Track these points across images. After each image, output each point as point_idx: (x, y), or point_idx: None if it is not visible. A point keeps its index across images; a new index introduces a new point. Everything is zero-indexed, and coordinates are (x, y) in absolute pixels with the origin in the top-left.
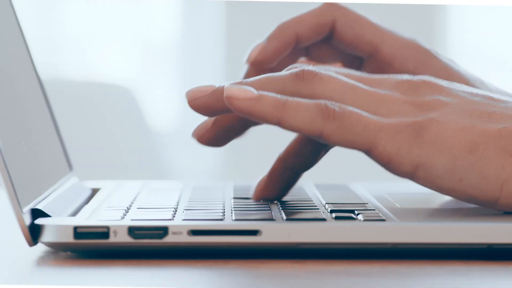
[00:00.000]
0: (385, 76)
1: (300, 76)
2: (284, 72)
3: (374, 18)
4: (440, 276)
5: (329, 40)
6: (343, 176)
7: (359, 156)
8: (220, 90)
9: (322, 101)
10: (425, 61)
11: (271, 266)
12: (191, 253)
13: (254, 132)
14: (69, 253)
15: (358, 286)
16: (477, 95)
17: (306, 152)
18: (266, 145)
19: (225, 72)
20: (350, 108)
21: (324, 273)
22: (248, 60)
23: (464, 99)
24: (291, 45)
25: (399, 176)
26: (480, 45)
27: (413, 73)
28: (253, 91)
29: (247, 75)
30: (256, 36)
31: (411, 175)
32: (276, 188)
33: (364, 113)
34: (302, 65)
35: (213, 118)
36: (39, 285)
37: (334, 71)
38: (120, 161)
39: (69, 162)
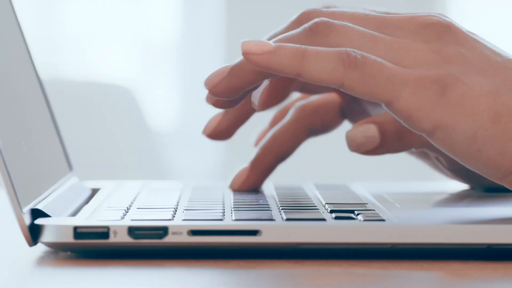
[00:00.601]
0: (405, 16)
1: (314, 29)
2: (298, 29)
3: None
4: (439, 277)
5: None
6: (343, 176)
7: (359, 157)
8: (237, 66)
9: (343, 49)
10: None
11: (271, 266)
12: (191, 253)
13: (254, 132)
14: (69, 253)
15: (357, 286)
16: (500, 55)
17: (287, 140)
18: None
19: None
20: (373, 57)
21: (324, 274)
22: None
23: (487, 57)
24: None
25: (417, 131)
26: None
27: None
28: (270, 44)
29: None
30: (256, 36)
31: (429, 134)
32: (258, 178)
33: (387, 63)
34: (314, 18)
35: (220, 115)
36: (39, 285)
37: (350, 16)
38: (120, 161)
39: (69, 162)
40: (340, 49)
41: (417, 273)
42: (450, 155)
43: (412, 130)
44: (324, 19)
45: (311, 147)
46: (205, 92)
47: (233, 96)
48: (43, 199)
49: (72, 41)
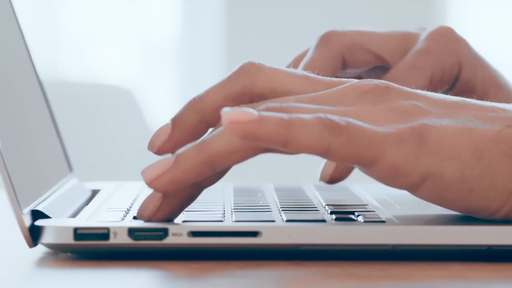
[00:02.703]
0: (338, 89)
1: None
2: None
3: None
4: (440, 278)
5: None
6: None
7: None
8: (182, 159)
9: (322, 114)
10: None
11: (271, 268)
12: (191, 255)
13: None
14: (69, 254)
15: (357, 287)
16: (447, 98)
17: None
18: None
19: (225, 72)
20: (351, 119)
21: (324, 275)
22: None
23: (439, 102)
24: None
25: (402, 188)
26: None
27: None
28: (254, 112)
29: None
30: (256, 36)
31: (417, 187)
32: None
33: (365, 124)
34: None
35: (157, 197)
36: (39, 286)
37: (294, 100)
38: (120, 162)
39: (69, 163)
40: (319, 115)
41: (418, 275)
42: (439, 205)
43: (397, 187)
44: (271, 104)
45: None
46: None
47: (176, 191)
48: (43, 200)
49: (72, 42)
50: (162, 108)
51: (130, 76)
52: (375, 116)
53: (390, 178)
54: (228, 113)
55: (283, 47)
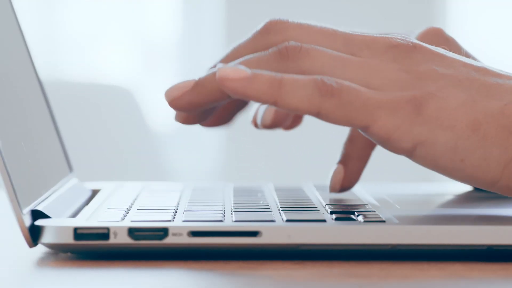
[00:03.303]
0: (371, 36)
1: (284, 53)
2: (266, 52)
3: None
4: (440, 278)
5: None
6: None
7: None
8: (202, 83)
9: (319, 77)
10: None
11: (271, 268)
12: (191, 254)
13: (254, 133)
14: (69, 254)
15: (357, 287)
16: (471, 66)
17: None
18: (266, 146)
19: None
20: (347, 83)
21: (324, 275)
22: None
23: (459, 69)
24: None
25: (397, 153)
26: (480, 46)
27: None
28: (247, 70)
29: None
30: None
31: (410, 153)
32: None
33: (362, 89)
34: (280, 29)
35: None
36: (39, 286)
37: (318, 31)
38: (120, 162)
39: (69, 163)
40: (315, 77)
41: (418, 275)
42: (435, 171)
43: (393, 152)
44: (293, 43)
45: (311, 147)
46: None
47: (192, 112)
48: (43, 200)
49: (72, 42)
50: (162, 108)
51: (130, 76)
52: (389, 74)
53: (383, 143)
54: (220, 70)
55: None
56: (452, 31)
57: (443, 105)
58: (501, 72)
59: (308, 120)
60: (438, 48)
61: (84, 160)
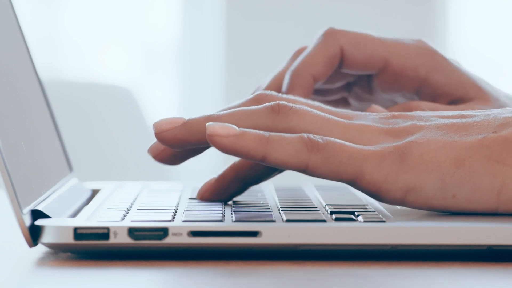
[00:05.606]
0: (356, 112)
1: (276, 109)
2: (259, 106)
3: (377, 33)
4: (439, 278)
5: (338, 67)
6: None
7: None
8: (191, 123)
9: (305, 134)
10: (436, 65)
11: (271, 268)
12: (191, 254)
13: None
14: (69, 254)
15: (357, 287)
16: (448, 116)
17: (260, 168)
18: None
19: (225, 72)
20: (333, 139)
21: (324, 275)
22: None
23: (436, 120)
24: (311, 88)
25: (390, 203)
26: (480, 46)
27: (425, 78)
28: (235, 128)
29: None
30: (256, 36)
31: (402, 201)
32: (221, 194)
33: (347, 143)
34: (274, 98)
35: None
36: (39, 286)
37: (304, 103)
38: (120, 162)
39: (69, 163)
40: (302, 134)
41: (417, 274)
42: (433, 211)
43: (386, 203)
44: (285, 102)
45: None
46: (205, 92)
47: (176, 147)
48: (43, 200)
49: (72, 42)
50: (162, 108)
51: (130, 76)
52: (372, 134)
53: (375, 194)
54: (209, 126)
55: (283, 47)
56: (452, 31)
57: (425, 149)
58: (477, 112)
59: None
60: (419, 111)
61: (84, 160)
